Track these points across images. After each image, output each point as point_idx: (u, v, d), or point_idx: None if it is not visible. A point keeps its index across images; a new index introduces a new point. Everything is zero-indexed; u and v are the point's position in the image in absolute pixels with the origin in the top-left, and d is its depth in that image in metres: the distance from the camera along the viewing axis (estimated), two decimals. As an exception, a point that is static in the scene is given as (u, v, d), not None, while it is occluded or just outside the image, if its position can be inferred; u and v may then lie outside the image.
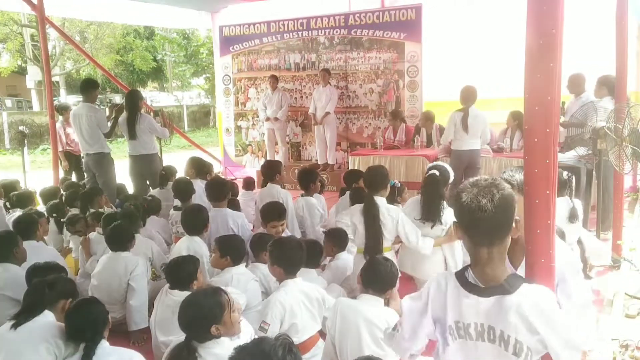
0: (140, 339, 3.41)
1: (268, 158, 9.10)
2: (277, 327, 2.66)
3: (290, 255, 2.82)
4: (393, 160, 6.97)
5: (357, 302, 2.72)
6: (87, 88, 5.79)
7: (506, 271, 1.48)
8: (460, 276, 1.54)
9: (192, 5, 9.62)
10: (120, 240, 3.55)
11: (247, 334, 2.48)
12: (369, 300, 2.67)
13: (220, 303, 2.23)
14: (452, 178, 3.75)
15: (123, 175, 6.36)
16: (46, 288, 2.50)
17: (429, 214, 3.48)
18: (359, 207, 3.54)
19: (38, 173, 8.56)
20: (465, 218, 1.48)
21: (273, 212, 3.85)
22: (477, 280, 1.49)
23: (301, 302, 2.78)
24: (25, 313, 2.43)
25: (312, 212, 4.68)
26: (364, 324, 2.56)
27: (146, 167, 6.02)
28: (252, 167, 9.44)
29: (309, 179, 4.85)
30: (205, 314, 2.20)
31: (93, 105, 5.85)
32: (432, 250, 3.44)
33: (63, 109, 7.90)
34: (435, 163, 3.95)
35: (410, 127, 7.82)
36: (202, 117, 25.53)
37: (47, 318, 2.46)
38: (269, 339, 1.69)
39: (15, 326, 2.37)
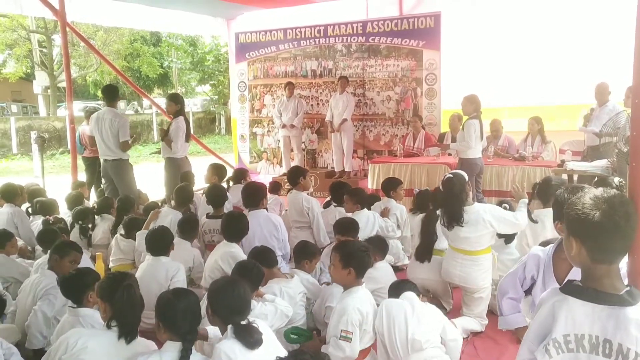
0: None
1: (284, 165, 9.09)
2: (357, 335, 2.65)
3: (362, 257, 2.80)
4: (414, 168, 6.93)
5: (400, 300, 2.86)
6: (111, 93, 5.76)
7: (623, 284, 1.44)
8: (571, 289, 1.49)
9: (208, 12, 9.62)
10: (160, 244, 3.54)
11: None
12: (408, 295, 2.88)
13: None
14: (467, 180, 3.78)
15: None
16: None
17: (447, 217, 3.54)
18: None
19: (48, 178, 8.52)
20: (593, 235, 1.42)
21: (341, 226, 3.98)
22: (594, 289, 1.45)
23: (370, 309, 2.77)
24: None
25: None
26: (411, 314, 2.67)
27: (177, 170, 5.97)
28: (267, 174, 9.41)
29: (342, 192, 4.89)
30: None
31: (117, 111, 5.80)
32: (480, 260, 3.48)
33: (90, 114, 7.81)
34: (451, 171, 3.98)
35: (429, 135, 7.80)
36: (208, 124, 25.48)
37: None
38: None
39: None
